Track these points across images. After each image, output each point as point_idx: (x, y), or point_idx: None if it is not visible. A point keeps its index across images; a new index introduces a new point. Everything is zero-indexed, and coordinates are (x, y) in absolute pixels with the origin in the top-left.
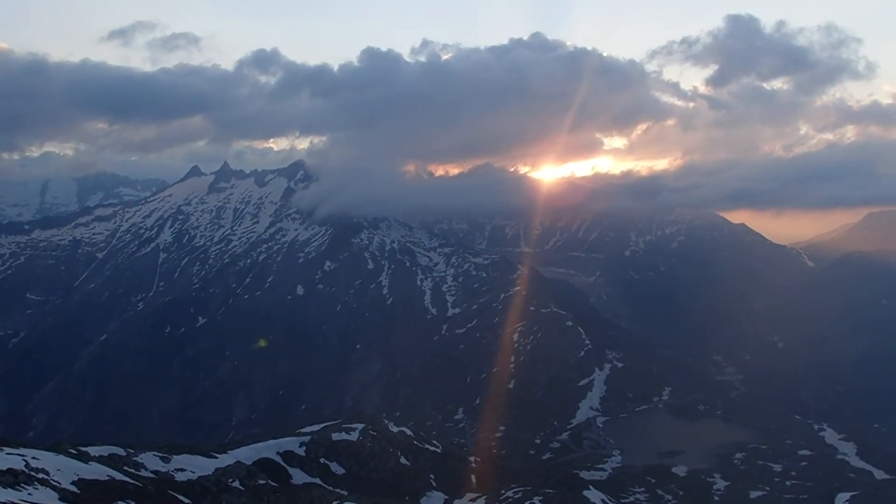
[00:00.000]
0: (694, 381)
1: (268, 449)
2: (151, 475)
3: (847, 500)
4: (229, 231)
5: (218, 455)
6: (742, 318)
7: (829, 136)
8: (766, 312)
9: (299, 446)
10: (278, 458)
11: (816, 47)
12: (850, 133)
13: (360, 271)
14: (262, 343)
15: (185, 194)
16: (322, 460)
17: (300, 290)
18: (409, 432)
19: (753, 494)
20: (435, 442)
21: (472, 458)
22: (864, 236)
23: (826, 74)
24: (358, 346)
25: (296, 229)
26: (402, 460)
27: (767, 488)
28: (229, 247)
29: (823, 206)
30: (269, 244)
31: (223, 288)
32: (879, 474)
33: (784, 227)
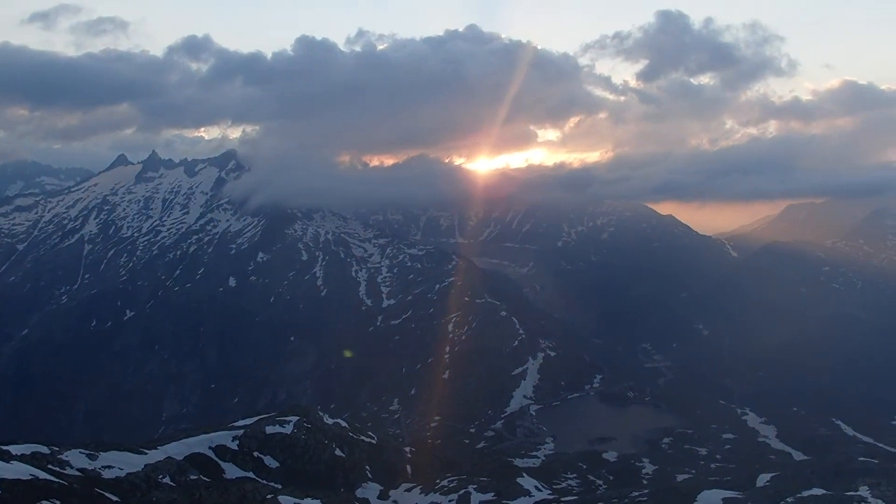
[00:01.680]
0: (624, 368)
1: (199, 444)
2: (77, 473)
3: (768, 481)
4: (158, 222)
5: (147, 451)
6: (670, 307)
7: (752, 130)
8: (692, 301)
9: (232, 440)
10: (210, 453)
11: (742, 44)
12: (772, 128)
13: (294, 262)
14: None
15: (112, 184)
16: (255, 454)
17: (232, 282)
18: (344, 424)
19: (680, 477)
20: (370, 433)
21: (407, 449)
22: (784, 227)
23: (750, 71)
24: (292, 338)
25: (227, 220)
26: (338, 452)
27: (693, 471)
28: (158, 238)
29: (746, 199)
30: (200, 235)
31: (152, 280)
32: (798, 455)
33: (709, 219)
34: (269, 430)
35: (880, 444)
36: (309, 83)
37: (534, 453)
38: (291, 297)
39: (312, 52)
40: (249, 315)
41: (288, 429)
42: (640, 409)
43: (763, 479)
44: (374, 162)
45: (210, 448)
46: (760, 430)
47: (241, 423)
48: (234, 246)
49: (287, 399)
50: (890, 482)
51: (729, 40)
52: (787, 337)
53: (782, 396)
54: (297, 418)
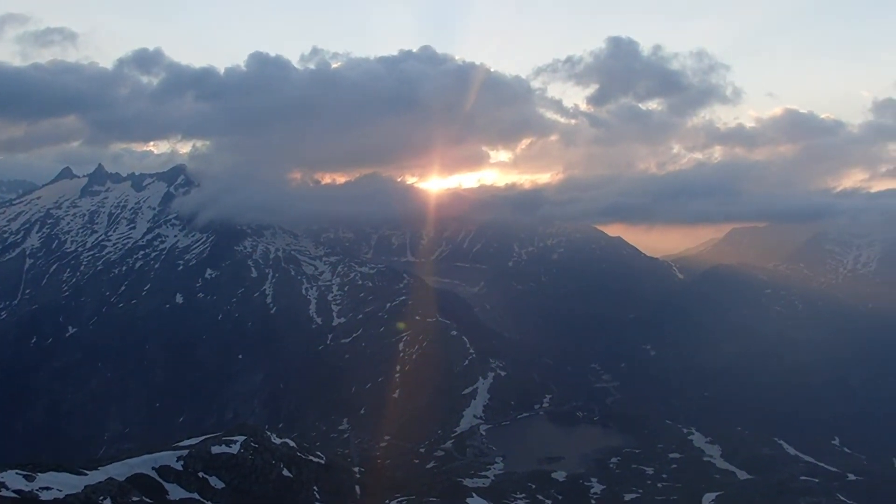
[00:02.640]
0: (573, 388)
1: (142, 464)
2: (13, 495)
3: (713, 500)
4: (103, 236)
5: (88, 472)
6: (618, 328)
7: (698, 155)
8: (640, 322)
9: (176, 460)
10: (153, 474)
11: (689, 72)
12: (717, 153)
13: (243, 280)
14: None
15: (56, 197)
16: (201, 474)
17: (179, 299)
18: (292, 444)
19: (628, 497)
20: (319, 453)
21: (356, 469)
22: (728, 250)
23: (697, 98)
24: (240, 357)
25: (175, 236)
26: (285, 472)
27: (641, 490)
28: (103, 253)
29: (692, 222)
30: (147, 251)
31: (96, 296)
32: (742, 474)
33: (656, 241)
34: (215, 449)
35: (821, 464)
36: (261, 99)
37: (483, 473)
38: (240, 314)
39: (266, 69)
40: (196, 332)
41: (234, 449)
42: (588, 429)
43: (708, 498)
44: (327, 179)
45: (153, 468)
46: (706, 450)
47: (186, 442)
48: (181, 262)
49: (234, 418)
50: (830, 501)
51: (676, 68)
52: (731, 358)
53: (727, 416)
54: (243, 438)
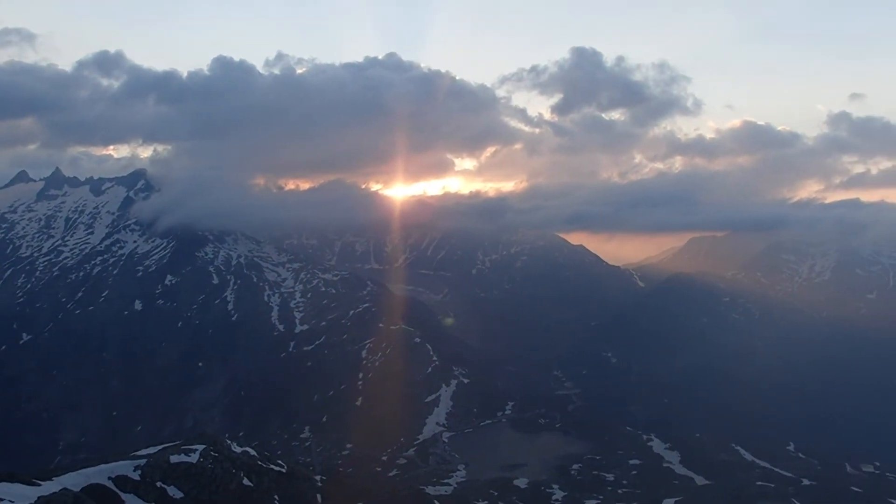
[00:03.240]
0: (535, 395)
1: (98, 474)
2: None
3: None
4: (60, 241)
5: (41, 482)
6: (580, 335)
7: (659, 165)
8: (601, 329)
9: (133, 470)
10: (110, 484)
11: (651, 83)
12: (678, 163)
13: (204, 286)
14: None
15: (10, 201)
16: (159, 484)
17: (138, 306)
18: (252, 452)
19: (588, 503)
20: (280, 461)
21: (318, 478)
22: (687, 259)
23: (658, 108)
24: (200, 364)
25: (135, 241)
26: (245, 481)
27: (601, 496)
28: (59, 258)
29: (653, 231)
30: (105, 256)
31: (51, 302)
32: (700, 480)
33: (617, 249)
34: (174, 458)
35: (776, 469)
36: (225, 104)
37: (446, 481)
38: (201, 321)
39: (229, 73)
40: (156, 340)
41: (193, 458)
42: (550, 436)
43: (667, 503)
44: (290, 185)
45: (110, 478)
46: (665, 456)
47: (143, 451)
48: (141, 268)
49: (194, 427)
50: None
51: (639, 79)
52: (690, 364)
53: (686, 422)
54: (203, 447)
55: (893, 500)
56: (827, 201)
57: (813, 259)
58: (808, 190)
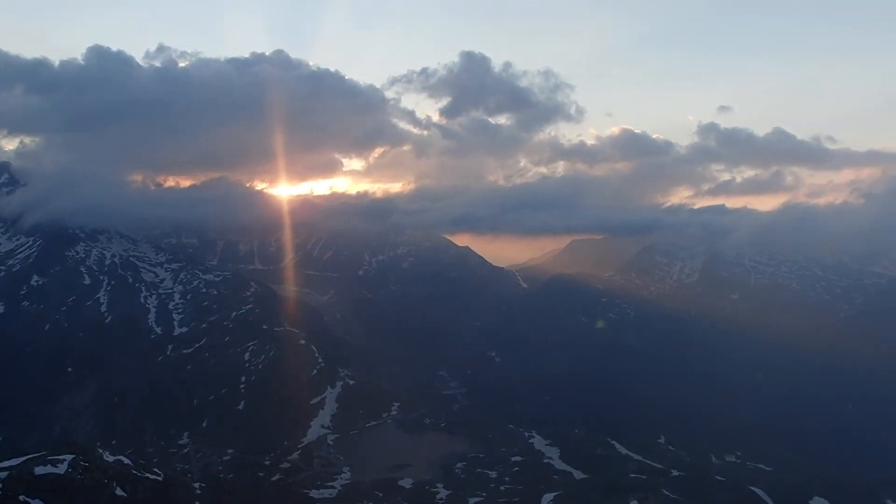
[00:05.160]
0: (421, 395)
1: None
2: None
3: (551, 500)
4: None
5: None
6: (465, 336)
7: (543, 169)
8: (486, 329)
9: None
10: None
11: (537, 90)
12: (560, 168)
13: (75, 287)
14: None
15: None
16: (22, 497)
17: (0, 308)
18: (126, 461)
19: (472, 501)
20: (156, 470)
21: (197, 485)
22: (568, 261)
23: (543, 114)
24: (70, 370)
25: None
26: (118, 492)
27: (484, 494)
28: None
29: (535, 233)
30: None
31: None
32: (578, 474)
33: (501, 251)
34: (39, 470)
35: (648, 462)
36: (100, 96)
37: (330, 483)
38: (70, 324)
39: (106, 64)
40: (20, 344)
41: (61, 468)
42: (435, 436)
43: (547, 498)
44: (170, 182)
45: None
46: (545, 452)
47: (5, 463)
48: (4, 267)
49: (62, 436)
50: (657, 496)
51: (525, 85)
52: (570, 363)
53: (565, 419)
54: (72, 457)
55: (754, 488)
56: (695, 207)
57: (683, 261)
58: (679, 196)
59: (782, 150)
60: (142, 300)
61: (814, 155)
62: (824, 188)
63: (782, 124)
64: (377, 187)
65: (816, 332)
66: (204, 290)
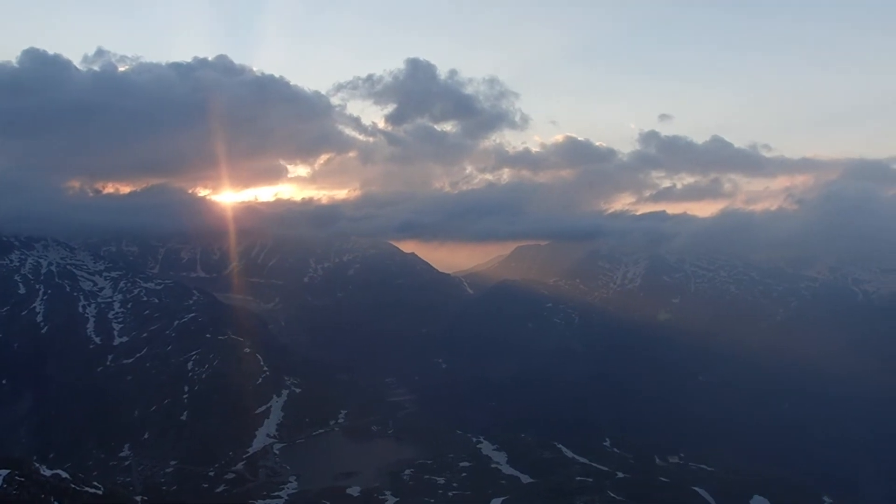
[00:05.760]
0: (368, 403)
1: None
2: None
3: None
4: None
5: None
6: (412, 342)
7: (488, 176)
8: (433, 336)
9: None
10: None
11: (481, 97)
12: (505, 175)
13: (10, 296)
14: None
15: None
16: None
17: None
18: (64, 475)
19: None
20: (96, 483)
21: (139, 498)
22: (514, 267)
23: (489, 122)
24: (4, 382)
25: None
26: None
27: (432, 500)
28: None
29: (481, 239)
30: None
31: None
32: (525, 478)
33: (447, 257)
34: None
35: (594, 464)
36: (36, 100)
37: (276, 493)
38: (5, 334)
39: (42, 67)
40: None
41: None
42: (383, 443)
43: (495, 503)
44: (109, 189)
45: None
46: (493, 457)
47: None
48: None
49: None
50: (602, 498)
51: (471, 92)
52: (516, 368)
53: (512, 424)
54: (7, 471)
55: (697, 488)
56: (638, 213)
57: (626, 266)
58: (622, 202)
59: (720, 158)
60: (80, 309)
61: (750, 162)
62: (760, 195)
63: (720, 132)
64: (322, 194)
65: (754, 334)
66: (145, 299)
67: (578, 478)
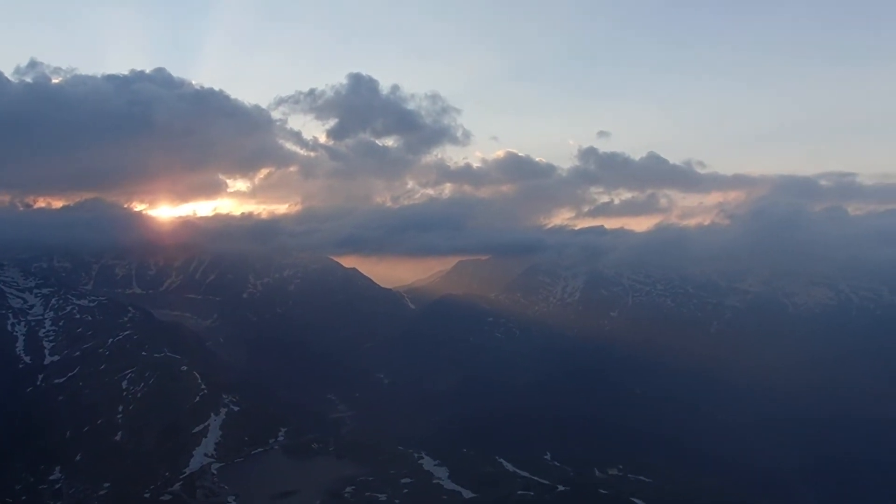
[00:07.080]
0: (309, 420)
1: None
2: None
3: None
4: None
5: None
6: (353, 358)
7: (430, 191)
8: (374, 351)
9: None
10: None
11: (423, 112)
12: (447, 190)
13: None
14: None
15: None
16: None
17: None
18: None
19: None
20: None
21: None
22: (455, 281)
23: (430, 137)
24: None
25: None
26: None
27: None
28: None
29: (422, 254)
30: None
31: None
32: (467, 493)
33: (388, 272)
34: None
35: (535, 478)
36: None
37: None
38: None
39: None
40: None
41: None
42: (324, 461)
43: None
44: (41, 203)
45: None
46: (435, 472)
47: None
48: None
49: None
50: None
51: (413, 107)
52: (458, 382)
53: (454, 438)
54: None
55: (636, 499)
56: (576, 227)
57: (565, 281)
58: (561, 217)
59: (657, 174)
60: (9, 328)
61: (685, 178)
62: (694, 210)
63: (656, 149)
64: (262, 208)
65: (690, 346)
66: (77, 317)
67: (520, 491)
